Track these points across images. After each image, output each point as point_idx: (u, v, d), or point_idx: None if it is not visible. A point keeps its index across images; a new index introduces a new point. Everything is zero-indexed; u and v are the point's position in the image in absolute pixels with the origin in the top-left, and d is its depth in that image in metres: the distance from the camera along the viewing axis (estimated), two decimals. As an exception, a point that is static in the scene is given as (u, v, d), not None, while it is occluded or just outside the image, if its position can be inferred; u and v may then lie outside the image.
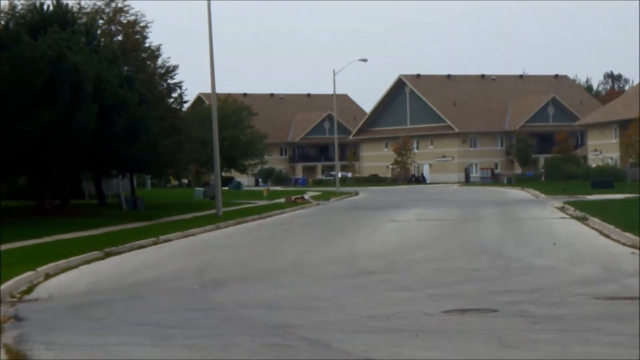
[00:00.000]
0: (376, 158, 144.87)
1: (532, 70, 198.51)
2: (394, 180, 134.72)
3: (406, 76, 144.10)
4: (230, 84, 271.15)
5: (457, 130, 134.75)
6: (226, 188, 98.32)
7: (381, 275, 23.96)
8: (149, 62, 65.63)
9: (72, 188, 61.01)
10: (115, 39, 63.99)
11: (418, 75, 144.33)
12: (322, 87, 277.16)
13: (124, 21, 65.00)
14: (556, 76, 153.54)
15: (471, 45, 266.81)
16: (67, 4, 53.36)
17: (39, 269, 25.38)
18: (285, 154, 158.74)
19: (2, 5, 52.02)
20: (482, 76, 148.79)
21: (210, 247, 34.41)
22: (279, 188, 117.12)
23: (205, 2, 53.25)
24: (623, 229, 32.80)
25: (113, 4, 64.52)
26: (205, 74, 78.00)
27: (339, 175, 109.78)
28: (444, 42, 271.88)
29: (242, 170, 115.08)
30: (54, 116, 42.38)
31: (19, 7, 56.11)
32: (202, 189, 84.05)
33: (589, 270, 23.81)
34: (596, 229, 36.44)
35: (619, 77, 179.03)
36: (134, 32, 64.79)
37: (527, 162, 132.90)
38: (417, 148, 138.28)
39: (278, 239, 37.58)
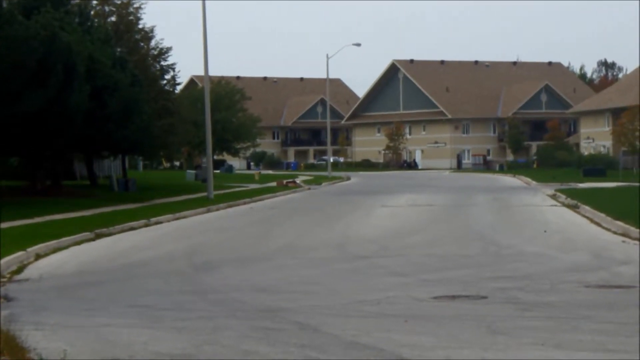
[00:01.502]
0: (368, 143, 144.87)
1: (525, 57, 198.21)
2: (386, 166, 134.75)
3: (400, 61, 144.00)
4: (224, 67, 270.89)
5: (449, 116, 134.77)
6: (218, 171, 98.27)
7: (373, 260, 24.00)
8: (142, 44, 65.49)
9: (64, 169, 60.93)
10: (108, 19, 63.83)
11: (411, 61, 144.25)
12: (315, 71, 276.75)
13: (118, 2, 64.84)
14: (550, 63, 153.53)
15: (465, 31, 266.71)
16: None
17: (29, 249, 25.37)
18: (278, 138, 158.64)
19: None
20: (476, 62, 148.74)
21: (201, 230, 34.41)
22: (270, 172, 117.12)
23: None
24: (614, 218, 32.86)
25: (106, -15, 64.33)
26: (199, 56, 77.84)
27: (331, 160, 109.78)
28: (438, 27, 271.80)
29: (234, 153, 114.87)
30: (47, 97, 42.27)
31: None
32: (193, 171, 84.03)
33: (579, 257, 23.86)
34: (587, 217, 36.52)
35: (613, 65, 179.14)
36: (128, 13, 64.63)
37: (520, 149, 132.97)
38: (410, 134, 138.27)
39: (270, 222, 37.58)
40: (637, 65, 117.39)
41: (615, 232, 29.95)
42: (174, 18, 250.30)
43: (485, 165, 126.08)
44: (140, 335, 13.93)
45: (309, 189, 69.97)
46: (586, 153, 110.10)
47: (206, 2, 53.36)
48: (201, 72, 58.49)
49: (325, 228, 34.02)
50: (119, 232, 32.95)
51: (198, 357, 12.39)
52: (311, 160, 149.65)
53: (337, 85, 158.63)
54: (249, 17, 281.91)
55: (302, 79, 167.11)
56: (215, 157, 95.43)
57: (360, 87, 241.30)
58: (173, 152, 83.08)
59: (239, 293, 18.40)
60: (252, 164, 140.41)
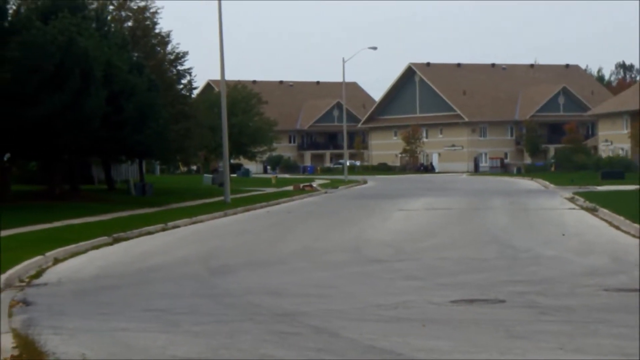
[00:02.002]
0: (385, 146, 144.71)
1: (543, 60, 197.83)
2: (402, 169, 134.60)
3: (416, 64, 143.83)
4: (240, 71, 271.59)
5: (466, 119, 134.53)
6: (234, 175, 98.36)
7: (389, 263, 23.95)
8: (158, 48, 65.64)
9: (82, 173, 61.10)
10: (125, 24, 63.99)
11: (428, 64, 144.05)
12: (331, 74, 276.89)
13: (134, 7, 65.00)
14: (567, 66, 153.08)
15: (482, 34, 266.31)
16: (77, -11, 53.30)
17: (47, 254, 25.43)
18: (294, 142, 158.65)
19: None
20: (493, 65, 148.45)
21: (218, 234, 34.43)
22: (287, 175, 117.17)
23: (216, -12, 53.14)
24: (633, 220, 32.70)
25: (123, -10, 64.51)
26: (215, 61, 77.93)
27: (348, 164, 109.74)
28: (454, 30, 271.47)
29: (251, 157, 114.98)
30: (63, 101, 42.41)
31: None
32: (210, 175, 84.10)
33: (597, 261, 23.76)
34: (606, 220, 36.36)
35: (631, 67, 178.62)
36: (144, 18, 64.78)
37: (537, 152, 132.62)
38: (426, 137, 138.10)
39: (286, 226, 37.57)
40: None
41: (634, 235, 29.81)
42: (190, 22, 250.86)
43: (503, 169, 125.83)
44: (157, 339, 13.94)
45: (326, 192, 69.95)
46: (604, 156, 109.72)
47: (222, 6, 53.48)
48: (217, 77, 58.62)
49: (341, 231, 33.98)
50: (136, 237, 33.01)
51: (215, 362, 12.37)
52: (327, 164, 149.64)
53: (353, 88, 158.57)
54: (265, 20, 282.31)
55: (318, 82, 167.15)
56: (231, 161, 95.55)
57: (377, 90, 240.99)
58: (190, 157, 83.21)
59: (255, 297, 18.39)
60: (268, 167, 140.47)
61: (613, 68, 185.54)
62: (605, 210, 39.07)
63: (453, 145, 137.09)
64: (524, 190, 67.91)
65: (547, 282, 19.68)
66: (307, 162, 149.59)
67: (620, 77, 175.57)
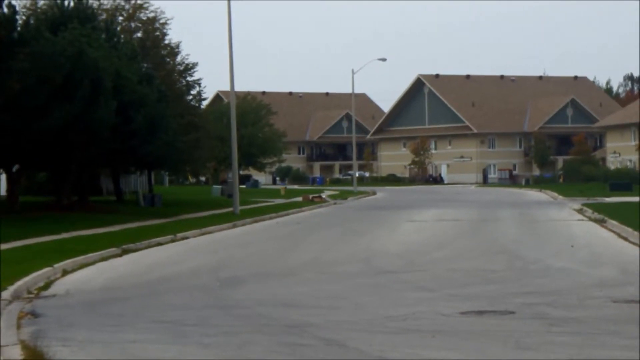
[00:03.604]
0: (394, 158, 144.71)
1: (551, 72, 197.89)
2: (411, 180, 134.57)
3: (425, 76, 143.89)
4: (249, 82, 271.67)
5: (475, 130, 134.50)
6: (244, 186, 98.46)
7: (399, 275, 23.93)
8: (168, 59, 65.79)
9: (90, 184, 61.17)
10: (135, 35, 64.15)
11: (437, 75, 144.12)
12: (340, 86, 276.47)
13: (144, 18, 65.17)
14: (575, 77, 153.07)
15: (491, 45, 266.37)
16: (87, 1, 53.49)
17: (56, 265, 25.43)
18: (303, 153, 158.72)
19: (23, 2, 52.24)
20: (502, 77, 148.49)
21: (227, 245, 34.44)
22: (296, 187, 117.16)
23: (225, 0, 53.24)
24: (634, 229, 32.64)
25: (132, 1, 64.71)
26: (225, 72, 78.15)
27: (357, 175, 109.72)
28: (463, 42, 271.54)
29: (260, 168, 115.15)
30: (73, 112, 42.49)
31: (40, 3, 56.36)
32: (219, 186, 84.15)
33: (606, 272, 23.72)
34: (614, 232, 36.30)
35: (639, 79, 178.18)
36: (154, 28, 64.94)
37: (546, 164, 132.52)
38: (435, 148, 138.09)
39: (295, 237, 37.56)
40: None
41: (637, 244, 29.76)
42: (199, 33, 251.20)
43: (511, 180, 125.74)
44: (166, 351, 13.94)
45: (335, 203, 69.94)
46: (612, 167, 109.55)
47: (232, 17, 53.50)
48: (227, 87, 58.69)
49: (350, 243, 33.97)
50: (145, 248, 33.00)
51: (224, 373, 12.36)
52: (337, 175, 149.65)
53: (362, 100, 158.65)
54: (274, 32, 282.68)
55: (327, 93, 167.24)
56: (241, 172, 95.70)
57: (386, 101, 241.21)
58: (199, 168, 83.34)
59: (265, 308, 18.38)
60: (277, 179, 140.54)
61: (621, 80, 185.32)
62: (614, 222, 39.01)
63: (462, 157, 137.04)
64: (532, 201, 67.83)
65: (556, 294, 19.65)
66: (316, 173, 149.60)
67: (628, 89, 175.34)
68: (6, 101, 40.14)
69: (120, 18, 64.09)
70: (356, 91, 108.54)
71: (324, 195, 78.95)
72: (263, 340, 14.63)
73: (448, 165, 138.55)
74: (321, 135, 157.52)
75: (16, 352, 13.79)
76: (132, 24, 65.03)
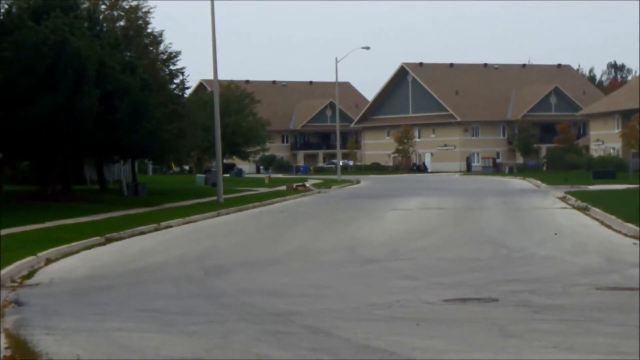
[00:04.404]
0: (378, 146, 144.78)
1: (535, 60, 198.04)
2: (395, 169, 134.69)
3: (409, 64, 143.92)
4: (233, 71, 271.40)
5: (459, 119, 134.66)
6: (227, 175, 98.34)
7: (383, 263, 23.96)
8: (151, 48, 65.57)
9: (74, 174, 60.99)
10: (117, 24, 63.92)
11: (421, 64, 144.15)
12: (324, 75, 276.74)
13: (126, 6, 64.92)
14: (559, 66, 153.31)
15: (474, 34, 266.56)
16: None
17: (40, 254, 25.38)
18: (287, 142, 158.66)
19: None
20: (485, 65, 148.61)
21: (211, 234, 34.41)
22: (280, 175, 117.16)
23: (209, -12, 53.04)
24: (624, 220, 32.78)
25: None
26: (208, 61, 77.96)
27: (341, 163, 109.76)
28: (447, 30, 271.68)
29: (244, 157, 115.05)
30: (56, 101, 42.33)
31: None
32: (203, 175, 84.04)
33: (590, 260, 23.81)
34: (597, 219, 36.44)
35: (622, 67, 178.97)
36: (137, 17, 64.69)
37: (529, 152, 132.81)
38: (419, 137, 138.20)
39: (280, 226, 37.56)
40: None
41: (626, 235, 29.88)
42: (182, 22, 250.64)
43: (495, 168, 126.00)
44: (151, 339, 13.93)
45: (319, 192, 69.96)
46: (596, 155, 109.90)
47: (215, 5, 53.39)
48: (210, 76, 58.60)
49: (335, 231, 33.98)
50: (129, 237, 32.96)
51: (209, 361, 12.36)
52: (321, 164, 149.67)
53: (346, 88, 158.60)
54: (257, 20, 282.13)
55: (311, 82, 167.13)
56: (224, 160, 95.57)
57: (370, 90, 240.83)
58: (182, 156, 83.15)
59: (250, 297, 18.38)
60: (261, 167, 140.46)
61: (604, 68, 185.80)
62: (597, 210, 39.15)
63: (445, 145, 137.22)
64: (516, 189, 67.99)
65: (540, 281, 19.72)
66: (300, 162, 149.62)
67: (611, 77, 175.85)
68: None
69: (103, 6, 63.82)
70: (340, 80, 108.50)
71: (308, 184, 78.95)
72: (248, 329, 14.63)
73: (432, 154, 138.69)
74: (305, 124, 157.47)
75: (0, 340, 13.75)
76: (115, 13, 64.77)
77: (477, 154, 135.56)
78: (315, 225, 37.70)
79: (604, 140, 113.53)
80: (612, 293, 17.98)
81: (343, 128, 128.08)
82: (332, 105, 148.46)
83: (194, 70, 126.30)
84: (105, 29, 55.97)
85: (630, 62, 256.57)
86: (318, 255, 26.28)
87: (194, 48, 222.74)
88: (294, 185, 74.34)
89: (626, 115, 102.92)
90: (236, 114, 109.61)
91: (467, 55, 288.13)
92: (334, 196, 64.04)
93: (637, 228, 29.77)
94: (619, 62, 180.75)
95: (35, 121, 41.87)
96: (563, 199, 51.34)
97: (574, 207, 44.55)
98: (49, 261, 25.19)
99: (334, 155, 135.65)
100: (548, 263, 23.33)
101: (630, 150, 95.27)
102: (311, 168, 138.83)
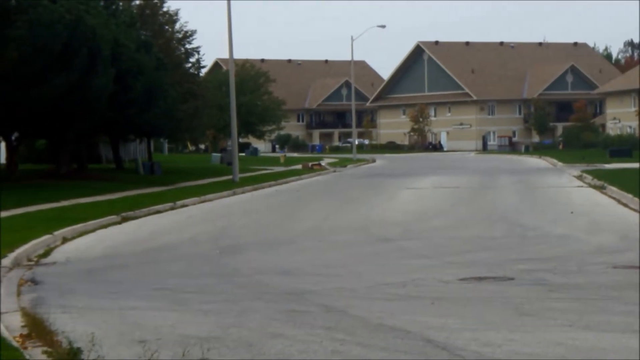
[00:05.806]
0: (393, 125, 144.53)
1: (551, 38, 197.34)
2: (411, 148, 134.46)
3: (424, 43, 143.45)
4: (248, 50, 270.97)
5: (475, 97, 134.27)
6: (243, 154, 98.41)
7: (398, 242, 23.94)
8: (166, 27, 65.51)
9: (90, 152, 61.13)
10: (133, 2, 63.86)
11: (436, 42, 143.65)
12: (340, 53, 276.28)
13: (142, -15, 64.81)
14: (575, 44, 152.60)
15: (490, 12, 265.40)
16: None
17: (56, 233, 25.45)
18: (303, 121, 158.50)
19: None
20: (501, 43, 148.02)
21: (226, 213, 34.44)
22: (295, 154, 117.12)
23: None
24: (634, 195, 32.65)
25: (131, -32, 64.32)
26: (223, 39, 77.90)
27: (356, 142, 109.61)
28: (463, 9, 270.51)
29: (259, 136, 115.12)
30: (70, 80, 42.34)
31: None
32: (219, 154, 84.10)
33: (606, 239, 23.75)
34: (614, 198, 36.29)
35: (639, 45, 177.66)
36: (152, -5, 64.62)
37: (545, 130, 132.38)
38: (435, 115, 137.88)
39: (295, 205, 37.57)
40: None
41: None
42: (198, 1, 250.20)
43: (511, 147, 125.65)
44: (166, 318, 13.95)
45: (334, 171, 69.93)
46: (612, 134, 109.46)
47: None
48: (226, 55, 58.50)
49: (349, 211, 33.97)
50: (144, 216, 33.01)
51: (225, 340, 12.38)
52: (336, 143, 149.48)
53: (361, 67, 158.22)
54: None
55: (326, 61, 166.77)
56: (240, 140, 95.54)
57: (385, 69, 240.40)
58: (198, 136, 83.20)
59: (264, 276, 18.40)
60: (277, 146, 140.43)
61: (621, 46, 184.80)
62: (614, 188, 39.00)
63: (461, 124, 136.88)
64: (532, 168, 67.81)
65: (555, 260, 19.67)
66: (316, 141, 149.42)
67: (628, 55, 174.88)
68: (4, 70, 39.99)
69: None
70: (355, 58, 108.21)
71: (323, 163, 78.93)
72: (263, 308, 14.64)
73: (447, 133, 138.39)
74: (320, 102, 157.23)
75: (16, 319, 13.81)
76: (131, -9, 64.69)
77: (493, 132, 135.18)
78: (330, 204, 37.68)
79: (621, 119, 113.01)
80: (628, 271, 17.92)
81: (359, 107, 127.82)
82: (347, 84, 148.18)
83: (209, 49, 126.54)
84: (120, 8, 55.92)
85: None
86: (333, 234, 26.28)
87: (210, 27, 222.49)
88: (310, 164, 74.32)
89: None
90: (251, 93, 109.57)
91: (483, 34, 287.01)
92: (350, 175, 64.01)
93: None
94: (636, 40, 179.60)
95: (49, 100, 41.91)
96: (579, 177, 51.17)
97: (590, 185, 44.40)
98: (65, 240, 25.27)
99: (349, 134, 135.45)
100: (563, 241, 23.27)
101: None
102: (327, 147, 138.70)
